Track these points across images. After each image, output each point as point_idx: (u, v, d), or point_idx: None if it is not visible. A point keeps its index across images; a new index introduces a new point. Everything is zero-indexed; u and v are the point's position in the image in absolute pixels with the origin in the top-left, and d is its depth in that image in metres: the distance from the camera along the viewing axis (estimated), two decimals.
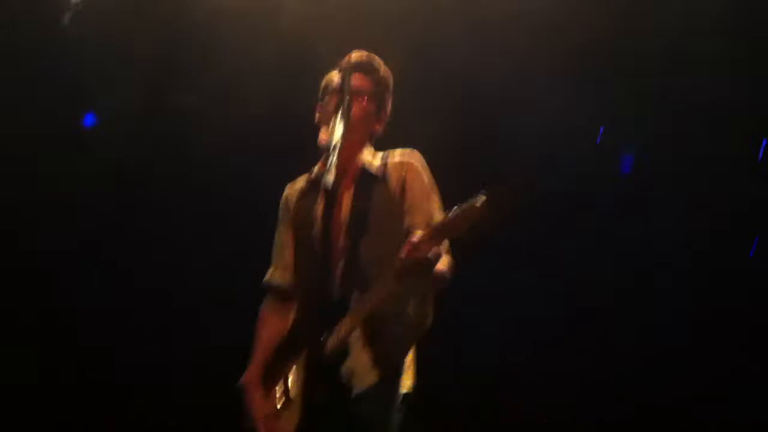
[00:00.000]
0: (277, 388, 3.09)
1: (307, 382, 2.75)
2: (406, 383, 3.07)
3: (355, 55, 3.20)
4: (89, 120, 6.61)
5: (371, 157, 3.23)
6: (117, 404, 6.38)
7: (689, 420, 6.06)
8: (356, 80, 3.13)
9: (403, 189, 3.12)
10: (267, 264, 3.45)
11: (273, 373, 3.13)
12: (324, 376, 2.84)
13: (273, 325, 3.23)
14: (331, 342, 2.87)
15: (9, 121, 6.06)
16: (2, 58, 5.96)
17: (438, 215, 2.92)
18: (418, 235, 2.77)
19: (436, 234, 2.75)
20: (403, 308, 3.04)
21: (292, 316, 3.20)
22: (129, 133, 6.43)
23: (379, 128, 3.30)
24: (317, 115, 3.25)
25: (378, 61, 3.29)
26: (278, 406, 3.05)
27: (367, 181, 3.14)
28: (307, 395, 2.65)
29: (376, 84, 3.25)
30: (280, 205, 3.35)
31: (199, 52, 6.03)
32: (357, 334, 2.96)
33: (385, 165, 3.19)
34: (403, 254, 2.75)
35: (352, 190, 3.12)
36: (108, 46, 6.04)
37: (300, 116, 3.58)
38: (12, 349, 6.16)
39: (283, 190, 3.42)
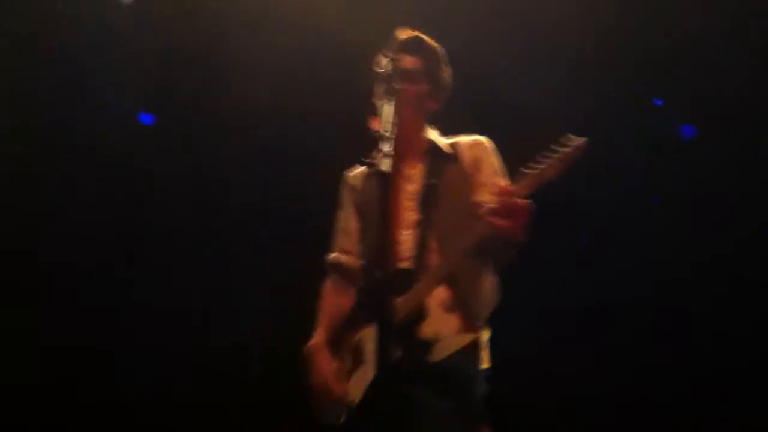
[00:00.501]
0: (345, 352, 3.11)
1: (381, 346, 2.64)
2: (487, 357, 3.09)
3: (401, 35, 3.18)
4: (147, 119, 6.61)
5: (438, 137, 3.25)
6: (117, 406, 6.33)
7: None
8: (405, 62, 3.11)
9: (476, 167, 3.15)
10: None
11: (339, 341, 3.15)
12: (401, 340, 2.81)
13: (336, 301, 3.25)
14: (406, 303, 2.90)
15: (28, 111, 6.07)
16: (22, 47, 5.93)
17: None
18: (508, 183, 2.86)
19: (531, 179, 2.80)
20: (480, 278, 3.06)
21: (352, 295, 3.22)
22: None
23: (436, 105, 3.28)
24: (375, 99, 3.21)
25: (425, 38, 3.25)
26: (348, 369, 3.08)
27: (437, 158, 3.17)
28: (382, 358, 2.58)
29: (426, 61, 3.23)
30: (342, 190, 3.36)
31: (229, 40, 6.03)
32: (440, 300, 2.99)
33: (455, 145, 3.22)
34: (491, 196, 2.82)
35: (422, 167, 3.16)
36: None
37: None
38: (10, 350, 6.10)
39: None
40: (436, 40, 3.29)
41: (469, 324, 3.03)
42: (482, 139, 3.23)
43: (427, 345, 2.94)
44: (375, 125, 3.00)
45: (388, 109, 2.73)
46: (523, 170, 2.82)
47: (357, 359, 3.05)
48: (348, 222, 3.31)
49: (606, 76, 6.14)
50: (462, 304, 3.01)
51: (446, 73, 3.29)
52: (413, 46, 3.19)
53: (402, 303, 2.89)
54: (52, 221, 6.31)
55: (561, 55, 5.97)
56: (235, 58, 6.08)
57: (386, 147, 2.56)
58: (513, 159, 3.10)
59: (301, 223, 6.06)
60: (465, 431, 2.93)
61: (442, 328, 2.98)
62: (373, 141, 2.60)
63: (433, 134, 3.26)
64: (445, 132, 3.33)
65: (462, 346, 2.99)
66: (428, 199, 3.08)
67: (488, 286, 3.11)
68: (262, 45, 5.96)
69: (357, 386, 2.99)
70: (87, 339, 6.25)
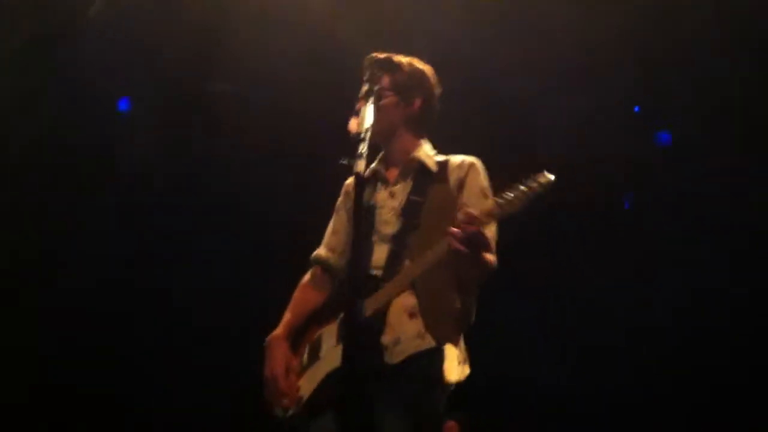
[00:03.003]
0: (306, 348, 3.23)
1: (344, 346, 2.77)
2: (453, 373, 3.10)
3: (374, 56, 3.33)
4: (123, 105, 6.64)
5: (430, 155, 3.34)
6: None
7: None
8: (378, 80, 3.25)
9: (461, 187, 3.22)
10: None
11: (303, 337, 3.27)
12: (363, 341, 2.87)
13: (309, 295, 3.39)
14: (371, 305, 3.01)
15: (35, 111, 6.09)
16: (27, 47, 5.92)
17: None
18: (477, 209, 2.90)
19: (495, 209, 2.87)
20: (450, 293, 3.13)
21: (326, 293, 3.38)
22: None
23: (412, 110, 3.34)
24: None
25: (397, 59, 3.36)
26: (305, 364, 3.18)
27: (425, 176, 3.26)
28: (344, 358, 2.63)
29: (397, 79, 3.31)
30: (342, 192, 3.51)
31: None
32: (404, 306, 3.07)
33: (445, 164, 3.30)
34: (458, 221, 2.85)
35: (409, 182, 3.27)
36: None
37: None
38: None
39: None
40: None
41: (431, 331, 3.06)
42: (471, 159, 3.29)
43: (387, 347, 3.02)
44: (352, 127, 3.07)
45: (365, 112, 2.82)
46: (492, 199, 2.93)
47: (314, 356, 3.18)
48: (338, 223, 3.46)
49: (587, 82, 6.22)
50: (424, 313, 3.07)
51: (418, 93, 3.35)
52: (385, 66, 3.32)
53: (368, 304, 3.00)
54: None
55: (544, 62, 6.05)
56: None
57: (361, 148, 2.64)
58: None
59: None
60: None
61: (403, 332, 3.04)
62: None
63: (424, 152, 3.34)
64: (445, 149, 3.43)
65: (419, 351, 3.03)
66: (408, 216, 3.18)
67: (457, 303, 3.14)
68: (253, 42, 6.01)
69: (309, 382, 3.12)
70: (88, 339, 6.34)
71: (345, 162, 2.78)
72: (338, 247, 3.42)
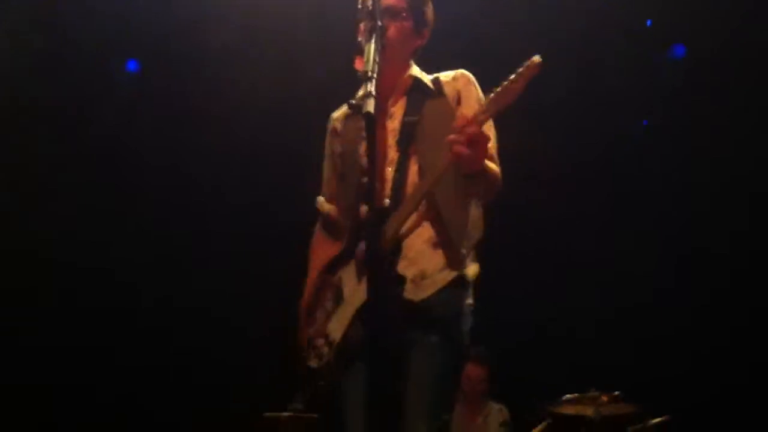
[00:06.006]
0: (329, 294, 3.11)
1: (366, 281, 2.60)
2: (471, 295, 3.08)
3: None
4: (132, 65, 6.61)
5: (421, 74, 3.20)
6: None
7: None
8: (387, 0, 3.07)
9: (458, 100, 3.11)
10: None
11: (324, 285, 3.15)
12: (385, 279, 2.83)
13: (324, 248, 3.23)
14: (387, 232, 2.89)
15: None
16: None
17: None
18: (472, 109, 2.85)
19: (490, 104, 2.79)
20: (463, 213, 3.04)
21: (337, 241, 3.20)
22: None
23: (421, 42, 3.22)
24: (359, 36, 3.06)
25: None
26: (330, 309, 3.08)
27: (420, 94, 3.14)
28: (368, 293, 2.49)
29: (414, 3, 3.14)
30: (327, 135, 3.32)
31: None
32: (425, 237, 3.00)
33: (438, 81, 3.17)
34: (456, 126, 2.78)
35: (403, 103, 3.14)
36: None
37: None
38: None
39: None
40: None
41: (454, 261, 3.01)
42: (462, 71, 3.18)
43: (413, 281, 2.94)
44: (359, 65, 2.98)
45: (370, 48, 2.68)
46: (486, 97, 2.83)
47: (337, 299, 3.07)
48: (329, 169, 3.31)
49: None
50: (446, 241, 3.00)
51: (429, 8, 3.23)
52: None
53: (384, 232, 2.87)
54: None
55: None
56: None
57: (369, 87, 2.52)
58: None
59: None
60: (449, 365, 2.97)
61: (428, 265, 2.98)
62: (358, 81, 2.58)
63: (417, 71, 3.21)
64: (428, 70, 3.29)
65: (447, 282, 2.99)
66: (408, 136, 3.06)
67: (471, 221, 3.07)
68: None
69: (338, 324, 3.01)
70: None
71: (354, 102, 2.71)
72: (333, 195, 3.29)
